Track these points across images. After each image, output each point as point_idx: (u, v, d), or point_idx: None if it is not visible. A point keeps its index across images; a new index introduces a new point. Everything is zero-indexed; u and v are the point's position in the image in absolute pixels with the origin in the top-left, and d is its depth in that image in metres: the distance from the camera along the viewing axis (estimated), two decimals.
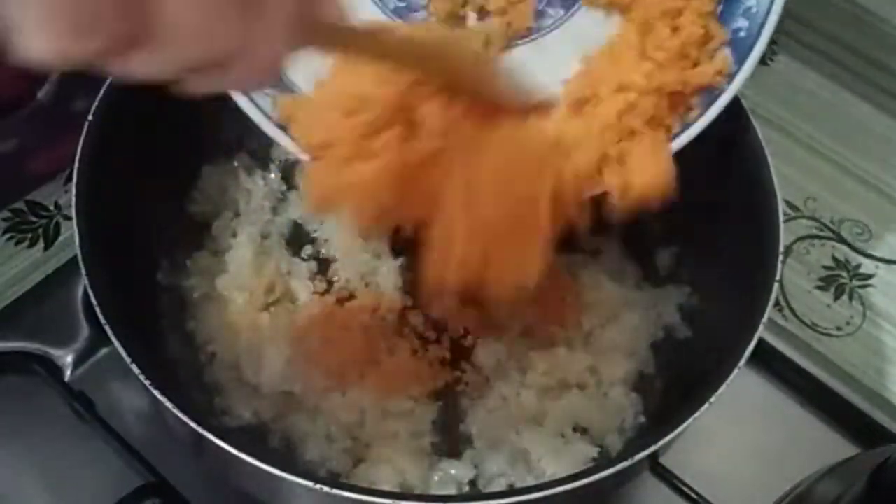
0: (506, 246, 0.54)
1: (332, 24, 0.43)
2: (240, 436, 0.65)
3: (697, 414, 0.55)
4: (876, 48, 0.91)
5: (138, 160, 0.67)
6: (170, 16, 0.34)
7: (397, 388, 0.67)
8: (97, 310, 0.56)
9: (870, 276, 0.82)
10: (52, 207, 0.81)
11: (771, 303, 0.59)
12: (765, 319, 0.58)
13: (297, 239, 0.77)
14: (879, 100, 0.90)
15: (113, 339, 0.55)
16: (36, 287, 0.75)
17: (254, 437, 0.66)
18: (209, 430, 0.52)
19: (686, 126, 0.58)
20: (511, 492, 0.58)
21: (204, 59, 0.37)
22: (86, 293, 0.64)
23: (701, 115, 0.58)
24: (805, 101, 0.90)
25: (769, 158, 0.64)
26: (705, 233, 0.70)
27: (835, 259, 0.83)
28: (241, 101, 0.58)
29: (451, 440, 0.68)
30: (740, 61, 0.57)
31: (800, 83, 0.91)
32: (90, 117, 0.63)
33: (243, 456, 0.52)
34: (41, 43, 0.33)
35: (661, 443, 0.54)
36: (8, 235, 0.79)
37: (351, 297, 0.73)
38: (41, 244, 0.79)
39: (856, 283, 0.81)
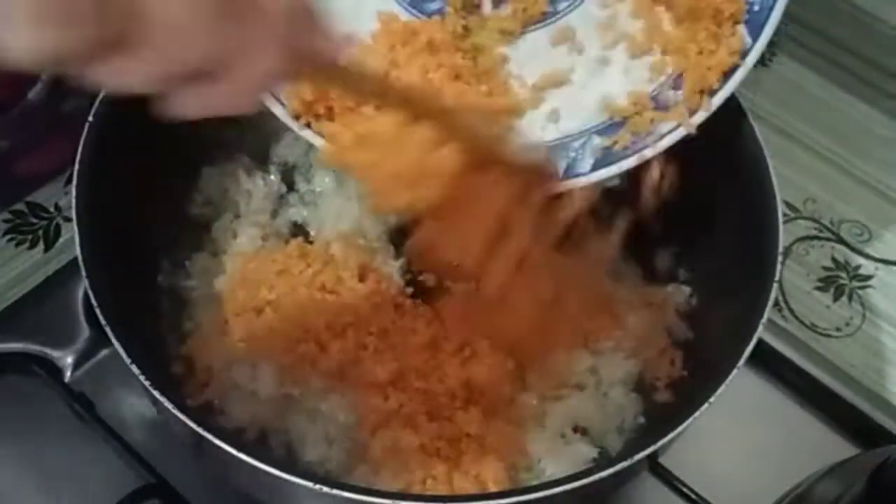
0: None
1: (327, 61, 0.42)
2: (239, 436, 0.65)
3: (697, 414, 0.55)
4: (875, 49, 0.91)
5: (138, 162, 0.66)
6: (158, 13, 0.33)
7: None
8: (97, 311, 0.56)
9: (869, 277, 0.82)
10: (52, 209, 0.81)
11: (770, 303, 0.59)
12: (764, 320, 0.58)
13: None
14: (879, 100, 0.90)
15: (113, 339, 0.56)
16: (36, 288, 0.76)
17: (253, 438, 0.66)
18: (209, 431, 0.53)
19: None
20: (511, 492, 0.58)
21: (190, 66, 0.35)
22: (86, 294, 0.64)
23: (718, 90, 0.59)
24: (804, 102, 0.90)
25: (769, 159, 0.64)
26: (705, 233, 0.70)
27: (834, 260, 0.83)
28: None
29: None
30: (755, 36, 0.58)
31: (799, 84, 0.91)
32: (90, 118, 0.63)
33: (243, 456, 0.52)
34: (20, 36, 0.31)
35: (661, 443, 0.54)
36: (8, 237, 0.79)
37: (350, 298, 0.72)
38: (41, 246, 0.79)
39: (855, 283, 0.82)
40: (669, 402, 0.68)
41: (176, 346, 0.68)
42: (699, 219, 0.71)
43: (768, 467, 0.70)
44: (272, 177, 0.79)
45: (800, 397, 0.74)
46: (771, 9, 0.58)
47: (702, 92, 0.59)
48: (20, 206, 0.81)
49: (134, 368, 0.55)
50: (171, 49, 0.35)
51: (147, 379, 0.54)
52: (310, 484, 0.51)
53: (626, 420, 0.69)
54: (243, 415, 0.66)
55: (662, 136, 0.60)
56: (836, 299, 0.81)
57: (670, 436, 0.55)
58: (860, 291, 0.81)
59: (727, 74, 0.59)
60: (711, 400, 0.55)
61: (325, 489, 0.51)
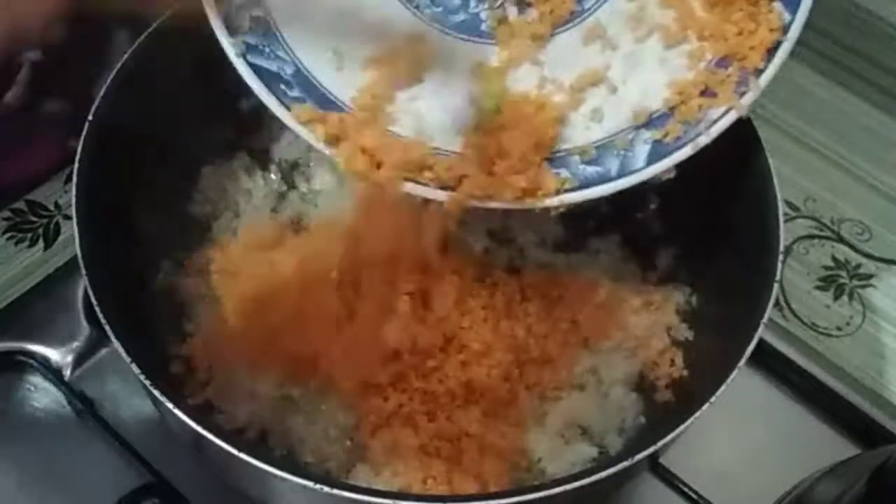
0: None
1: None
2: (239, 436, 0.65)
3: (697, 414, 0.55)
4: (876, 48, 0.91)
5: (138, 161, 0.67)
6: None
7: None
8: (97, 309, 0.56)
9: (870, 276, 0.82)
10: (52, 207, 0.81)
11: (771, 303, 0.59)
12: (765, 319, 0.58)
13: None
14: (879, 100, 0.90)
15: (113, 338, 0.55)
16: (36, 287, 0.76)
17: (253, 438, 0.66)
18: (209, 431, 0.53)
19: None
20: (511, 492, 0.58)
21: None
22: (86, 293, 0.64)
23: (764, 69, 0.58)
24: (805, 101, 0.90)
25: (769, 158, 0.64)
26: (705, 233, 0.70)
27: (835, 259, 0.83)
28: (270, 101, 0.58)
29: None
30: (793, 10, 0.58)
31: (800, 83, 0.91)
32: (90, 118, 0.63)
33: (243, 456, 0.52)
34: None
35: (661, 443, 0.54)
36: (8, 235, 0.79)
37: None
38: (41, 244, 0.79)
39: (856, 283, 0.81)
40: (670, 402, 0.68)
41: (176, 346, 0.68)
42: (699, 218, 0.71)
43: (768, 467, 0.70)
44: (272, 176, 0.79)
45: (800, 397, 0.74)
46: None
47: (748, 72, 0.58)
48: (20, 205, 0.81)
49: (134, 368, 0.55)
50: None
51: (147, 378, 0.54)
52: (310, 484, 0.51)
53: (626, 420, 0.69)
54: (243, 415, 0.66)
55: (714, 122, 0.59)
56: (836, 299, 0.81)
57: (671, 436, 0.55)
58: (861, 291, 0.81)
59: (770, 52, 0.58)
60: (712, 400, 0.55)
61: (325, 489, 0.51)
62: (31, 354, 0.71)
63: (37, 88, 0.72)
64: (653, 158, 0.60)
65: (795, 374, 0.74)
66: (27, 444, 0.69)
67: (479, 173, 0.58)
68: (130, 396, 0.71)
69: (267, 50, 0.58)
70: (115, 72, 0.65)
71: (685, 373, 0.69)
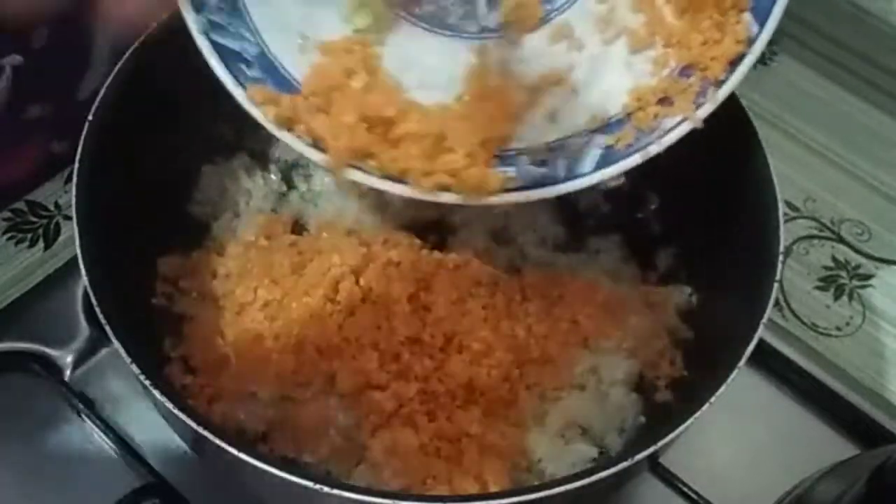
0: None
1: None
2: (239, 436, 0.65)
3: (697, 414, 0.55)
4: (876, 48, 0.91)
5: (138, 160, 0.67)
6: None
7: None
8: (97, 310, 0.56)
9: (870, 277, 0.82)
10: (52, 207, 0.81)
11: (771, 303, 0.59)
12: (765, 319, 0.58)
13: None
14: (879, 100, 0.90)
15: (113, 339, 0.55)
16: (36, 287, 0.76)
17: (253, 438, 0.66)
18: (209, 431, 0.53)
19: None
20: (511, 492, 0.58)
21: None
22: (86, 293, 0.64)
23: (725, 80, 0.57)
24: (805, 102, 0.90)
25: (769, 158, 0.64)
26: (705, 233, 0.70)
27: (834, 259, 0.83)
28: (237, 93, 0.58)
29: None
30: (762, 23, 0.56)
31: (800, 83, 0.91)
32: (90, 118, 0.63)
33: (243, 456, 0.52)
34: None
35: (661, 443, 0.54)
36: (8, 235, 0.79)
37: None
38: (41, 244, 0.79)
39: (855, 283, 0.82)
40: (669, 402, 0.68)
41: (176, 346, 0.68)
42: (699, 218, 0.71)
43: (768, 467, 0.70)
44: (272, 176, 0.79)
45: (800, 397, 0.74)
46: None
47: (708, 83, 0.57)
48: (20, 205, 0.81)
49: (134, 368, 0.55)
50: None
51: (147, 379, 0.54)
52: (310, 484, 0.51)
53: (626, 420, 0.69)
54: (243, 415, 0.66)
55: (667, 132, 0.58)
56: (836, 299, 0.81)
57: (671, 436, 0.55)
58: (860, 291, 0.81)
59: (733, 64, 0.57)
60: (712, 400, 0.55)
61: (326, 489, 0.51)
62: (31, 354, 0.71)
63: (19, 92, 0.72)
64: (601, 164, 0.59)
65: (795, 374, 0.74)
66: (27, 445, 0.69)
67: (423, 165, 0.58)
68: (130, 396, 0.71)
69: (232, 29, 0.59)
70: (115, 72, 0.65)
71: (685, 373, 0.69)
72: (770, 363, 0.74)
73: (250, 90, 0.58)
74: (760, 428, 0.73)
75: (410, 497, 0.58)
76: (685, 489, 0.68)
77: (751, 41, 0.57)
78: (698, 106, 0.58)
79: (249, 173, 0.77)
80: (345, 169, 0.59)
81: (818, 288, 0.81)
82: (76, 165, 0.62)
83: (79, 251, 0.58)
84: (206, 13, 0.58)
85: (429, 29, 0.63)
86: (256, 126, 0.74)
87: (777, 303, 0.79)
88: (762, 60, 0.88)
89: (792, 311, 0.80)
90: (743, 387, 0.57)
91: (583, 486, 0.52)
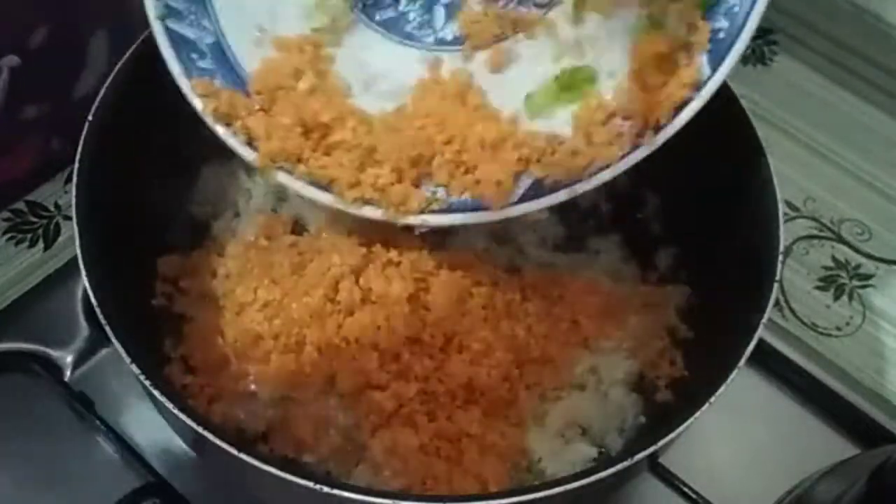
0: None
1: None
2: (240, 436, 0.65)
3: (697, 414, 0.55)
4: (876, 48, 0.91)
5: (138, 160, 0.67)
6: None
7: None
8: (97, 310, 0.56)
9: (870, 277, 0.82)
10: (52, 208, 0.81)
11: (771, 303, 0.59)
12: (765, 319, 0.58)
13: None
14: (879, 100, 0.90)
15: (113, 339, 0.56)
16: (36, 287, 0.76)
17: (253, 438, 0.66)
18: (209, 431, 0.53)
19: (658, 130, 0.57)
20: (511, 492, 0.58)
21: None
22: (86, 293, 0.64)
23: (668, 123, 0.56)
24: (805, 101, 0.90)
25: (769, 158, 0.64)
26: (705, 233, 0.70)
27: (834, 259, 0.83)
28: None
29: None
30: (715, 66, 0.54)
31: (800, 83, 0.91)
32: (90, 118, 0.63)
33: (243, 456, 0.52)
34: None
35: (661, 443, 0.54)
36: (8, 236, 0.79)
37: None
38: (41, 245, 0.79)
39: (855, 283, 0.82)
40: (669, 402, 0.68)
41: (176, 346, 0.68)
42: (699, 218, 0.71)
43: (768, 467, 0.70)
44: None
45: (800, 397, 0.74)
46: (737, 36, 0.53)
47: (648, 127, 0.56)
48: (20, 205, 0.81)
49: (134, 368, 0.55)
50: None
51: (147, 379, 0.54)
52: (310, 484, 0.51)
53: (626, 420, 0.69)
54: (243, 415, 0.66)
55: (596, 172, 0.57)
56: (836, 299, 0.81)
57: (670, 436, 0.55)
58: (860, 291, 0.81)
59: (678, 110, 0.55)
60: (712, 400, 0.55)
61: (326, 489, 0.51)
62: (31, 354, 0.71)
63: (16, 93, 0.72)
64: (527, 197, 0.59)
65: (795, 374, 0.74)
66: (27, 444, 0.69)
67: (349, 177, 0.58)
68: (130, 396, 0.71)
69: (191, 17, 0.59)
70: (115, 72, 0.65)
71: (685, 373, 0.69)
72: (770, 363, 0.74)
73: (194, 81, 0.59)
74: (760, 428, 0.73)
75: (410, 497, 0.58)
76: (685, 489, 0.68)
77: (699, 86, 0.55)
78: (634, 149, 0.57)
79: (249, 173, 0.77)
80: (272, 170, 0.59)
81: (818, 288, 0.81)
82: (76, 165, 0.62)
83: (79, 251, 0.58)
84: None
85: (385, 34, 0.63)
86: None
87: (777, 303, 0.79)
88: (762, 60, 0.88)
89: (792, 311, 0.80)
90: (743, 387, 0.57)
91: (583, 486, 0.52)
